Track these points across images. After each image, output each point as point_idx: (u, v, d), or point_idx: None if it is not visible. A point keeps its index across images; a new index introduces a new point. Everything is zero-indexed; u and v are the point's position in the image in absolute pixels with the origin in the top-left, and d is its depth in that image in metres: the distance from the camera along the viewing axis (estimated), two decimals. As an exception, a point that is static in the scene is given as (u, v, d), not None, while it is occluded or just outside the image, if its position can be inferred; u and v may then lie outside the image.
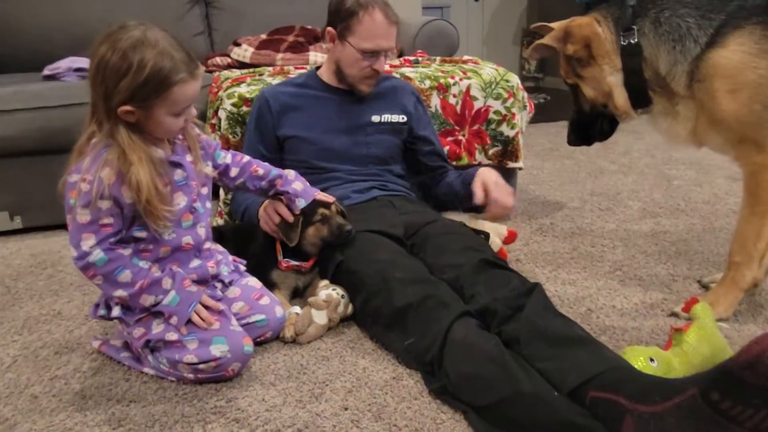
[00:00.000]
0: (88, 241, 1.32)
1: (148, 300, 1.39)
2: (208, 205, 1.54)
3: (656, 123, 1.72)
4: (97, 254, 1.33)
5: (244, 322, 1.54)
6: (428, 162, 2.19)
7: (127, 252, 1.37)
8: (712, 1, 1.54)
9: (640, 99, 1.68)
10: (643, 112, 1.72)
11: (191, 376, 1.42)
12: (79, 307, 1.86)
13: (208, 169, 1.55)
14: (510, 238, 2.05)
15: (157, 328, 1.42)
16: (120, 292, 1.37)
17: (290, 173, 1.72)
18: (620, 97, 1.69)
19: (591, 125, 1.84)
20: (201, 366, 1.39)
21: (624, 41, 1.62)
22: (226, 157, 1.64)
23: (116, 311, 1.43)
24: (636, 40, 1.61)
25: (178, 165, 1.43)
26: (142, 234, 1.39)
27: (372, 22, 1.86)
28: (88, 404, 1.38)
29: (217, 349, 1.39)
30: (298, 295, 1.83)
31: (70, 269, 2.11)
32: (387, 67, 2.42)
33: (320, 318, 1.61)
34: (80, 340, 1.66)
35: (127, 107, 1.28)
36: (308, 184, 1.75)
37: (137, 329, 1.43)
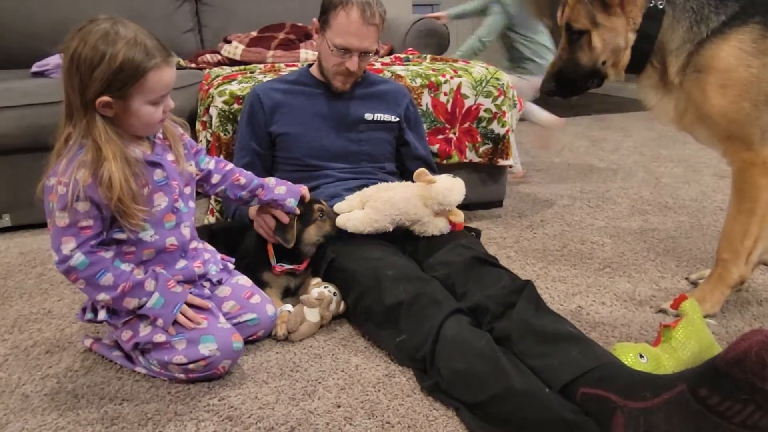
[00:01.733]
0: (69, 245, 1.31)
1: (131, 303, 1.38)
2: (192, 204, 1.53)
3: (645, 96, 1.70)
4: (78, 257, 1.32)
5: (235, 321, 1.54)
6: (413, 168, 2.20)
7: (108, 255, 1.36)
8: None
9: (636, 66, 1.65)
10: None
11: (182, 376, 1.42)
12: (69, 305, 1.85)
13: (192, 168, 1.54)
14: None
15: (144, 330, 1.41)
16: (103, 296, 1.36)
17: (270, 180, 1.72)
18: (626, 58, 1.64)
19: (582, 78, 1.73)
20: (191, 366, 1.39)
21: (651, 2, 1.57)
22: (209, 162, 1.63)
23: (102, 315, 1.42)
24: (663, 5, 1.57)
25: (157, 165, 1.42)
26: (122, 236, 1.38)
27: (346, 17, 1.86)
28: (81, 403, 1.38)
29: (206, 348, 1.39)
30: (290, 294, 1.83)
31: (60, 267, 2.10)
32: (378, 65, 2.42)
33: (312, 316, 1.61)
34: (71, 339, 1.65)
35: (105, 98, 1.27)
36: (290, 183, 1.74)
37: (125, 332, 1.43)
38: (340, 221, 1.73)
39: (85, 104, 1.28)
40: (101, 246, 1.36)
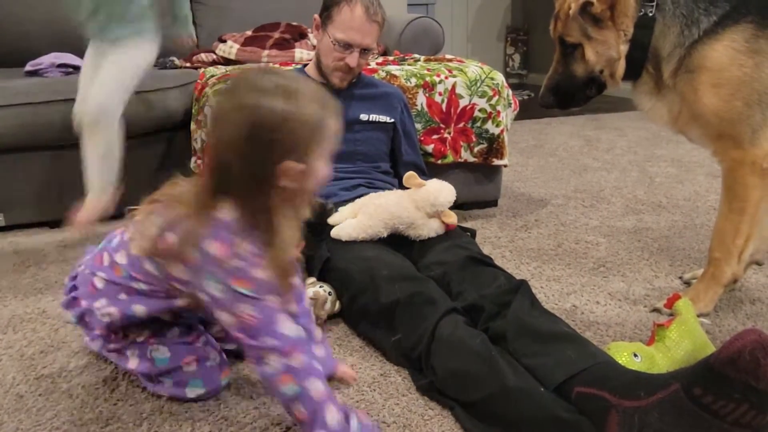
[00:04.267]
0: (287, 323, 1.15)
1: None
2: None
3: (640, 101, 1.71)
4: None
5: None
6: (403, 173, 2.20)
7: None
8: None
9: (632, 73, 1.66)
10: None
11: None
12: (64, 305, 1.85)
13: None
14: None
15: (132, 361, 1.39)
16: None
17: None
18: (621, 68, 1.65)
19: (580, 89, 1.74)
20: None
21: (641, 11, 1.58)
22: None
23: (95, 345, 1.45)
24: (653, 13, 1.57)
25: None
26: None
27: (350, 13, 1.87)
28: (75, 403, 1.37)
29: (193, 392, 1.35)
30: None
31: (54, 267, 2.09)
32: (373, 65, 2.42)
33: (308, 315, 1.61)
34: (66, 339, 1.65)
35: (292, 164, 1.07)
36: None
37: (112, 354, 1.43)
38: (333, 233, 1.74)
39: (263, 178, 1.08)
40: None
